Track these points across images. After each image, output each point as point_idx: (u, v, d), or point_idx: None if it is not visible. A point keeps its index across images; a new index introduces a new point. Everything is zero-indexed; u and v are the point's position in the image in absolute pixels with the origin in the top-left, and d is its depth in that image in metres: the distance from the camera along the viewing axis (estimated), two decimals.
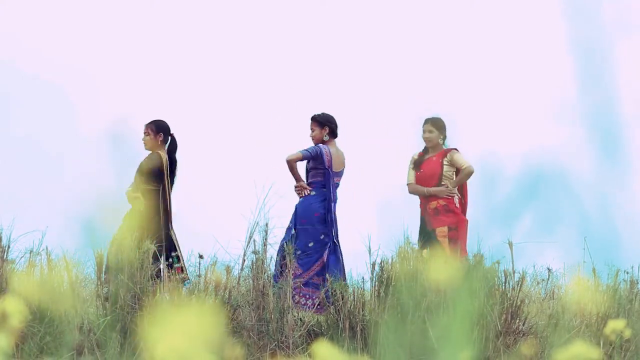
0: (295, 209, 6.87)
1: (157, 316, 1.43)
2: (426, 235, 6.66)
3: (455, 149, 6.90)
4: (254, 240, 5.97)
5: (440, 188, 6.79)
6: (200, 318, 1.46)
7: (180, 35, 11.11)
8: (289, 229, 6.75)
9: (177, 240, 6.83)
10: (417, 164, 6.96)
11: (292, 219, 6.83)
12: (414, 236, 6.71)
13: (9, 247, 5.55)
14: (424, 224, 6.79)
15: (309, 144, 7.01)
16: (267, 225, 6.03)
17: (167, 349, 1.45)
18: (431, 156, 6.92)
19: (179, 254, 6.76)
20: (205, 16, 11.23)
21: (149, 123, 7.04)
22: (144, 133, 7.00)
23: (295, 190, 6.89)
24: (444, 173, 6.84)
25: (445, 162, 6.86)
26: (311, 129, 7.00)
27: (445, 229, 6.67)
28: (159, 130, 6.99)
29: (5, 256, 5.51)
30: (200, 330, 1.46)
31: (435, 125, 6.93)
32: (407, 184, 6.96)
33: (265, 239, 5.98)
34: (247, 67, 11.14)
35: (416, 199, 6.96)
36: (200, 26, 11.20)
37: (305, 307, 6.33)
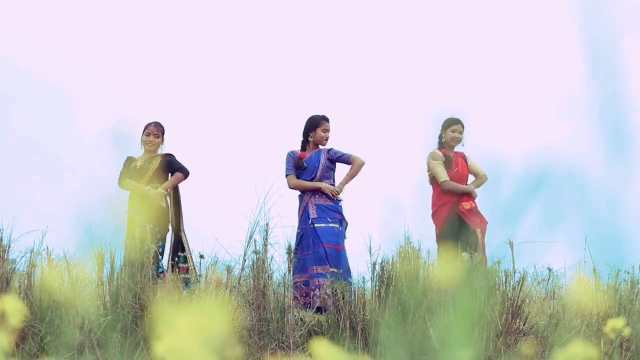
0: (340, 210, 6.92)
1: (160, 315, 1.43)
2: (465, 234, 6.65)
3: (465, 153, 7.01)
4: (255, 240, 5.97)
5: (472, 187, 6.85)
6: (205, 317, 1.46)
7: (180, 35, 11.11)
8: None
9: (187, 242, 6.84)
10: (450, 162, 6.94)
11: (340, 220, 6.87)
12: (414, 236, 6.70)
13: (9, 246, 5.55)
14: (461, 223, 6.76)
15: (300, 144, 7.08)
16: (267, 224, 6.02)
17: (171, 348, 1.44)
18: (457, 158, 6.94)
19: (188, 254, 6.75)
20: (205, 16, 11.23)
21: (157, 125, 7.00)
22: (153, 134, 6.95)
23: (333, 193, 6.90)
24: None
25: (469, 165, 7.00)
26: (329, 130, 7.01)
27: (484, 227, 6.69)
28: (164, 133, 7.03)
29: (5, 256, 5.51)
30: (205, 329, 1.46)
31: (464, 126, 6.97)
32: (444, 181, 6.80)
33: (266, 239, 5.98)
34: (247, 66, 11.14)
35: (422, 198, 6.97)
36: (200, 26, 11.19)
37: (316, 300, 6.37)
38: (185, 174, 6.89)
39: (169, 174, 6.92)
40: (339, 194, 6.89)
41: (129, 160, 6.95)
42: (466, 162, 6.96)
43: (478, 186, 6.89)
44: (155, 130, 6.95)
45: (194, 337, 1.45)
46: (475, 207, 6.79)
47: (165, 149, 7.04)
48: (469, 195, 6.80)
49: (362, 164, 6.91)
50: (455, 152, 6.94)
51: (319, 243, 6.68)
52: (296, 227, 6.85)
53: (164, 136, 7.03)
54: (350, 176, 6.93)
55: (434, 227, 6.85)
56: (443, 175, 6.80)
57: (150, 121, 7.02)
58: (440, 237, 6.66)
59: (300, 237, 6.74)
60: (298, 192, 6.99)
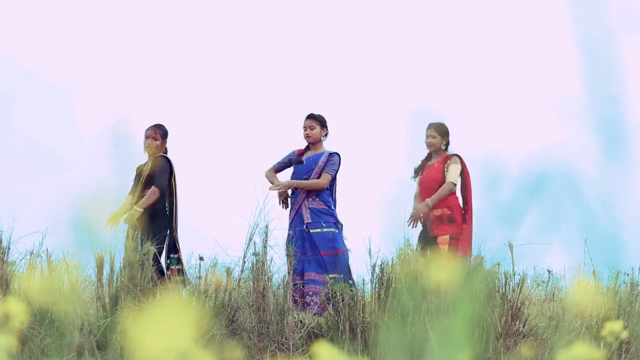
0: (333, 214, 6.89)
1: (138, 317, 1.42)
2: (427, 241, 6.61)
3: (457, 156, 6.85)
4: (254, 242, 5.97)
5: (419, 205, 6.76)
6: (177, 315, 1.45)
7: (181, 35, 11.11)
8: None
9: (179, 243, 6.83)
10: (418, 170, 6.94)
11: (334, 224, 6.84)
12: (414, 239, 6.70)
13: (9, 248, 5.55)
14: (426, 230, 6.75)
15: (304, 143, 7.07)
16: (267, 227, 6.03)
17: (147, 349, 1.43)
18: (434, 162, 6.88)
19: (180, 256, 6.75)
20: (205, 16, 11.23)
21: (156, 127, 6.97)
22: (151, 137, 6.92)
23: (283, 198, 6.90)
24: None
25: (445, 169, 6.83)
26: (310, 127, 6.99)
27: (447, 237, 6.63)
28: (165, 135, 7.00)
29: (5, 258, 5.51)
30: (179, 328, 1.44)
31: (438, 130, 6.88)
32: (414, 195, 6.98)
33: (266, 241, 5.98)
34: (246, 67, 11.14)
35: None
36: (200, 26, 11.20)
37: (312, 306, 6.36)
38: (159, 189, 6.75)
39: (168, 177, 6.90)
40: (277, 186, 6.88)
41: (136, 169, 6.98)
42: (443, 167, 6.82)
43: (438, 197, 6.70)
44: (152, 133, 6.94)
45: (172, 336, 1.43)
46: (447, 215, 6.73)
47: (166, 150, 7.04)
48: (442, 202, 6.76)
49: (318, 185, 6.89)
50: (444, 156, 6.88)
51: (315, 249, 6.67)
52: (287, 229, 6.83)
53: (166, 139, 7.00)
54: (306, 184, 6.90)
55: None
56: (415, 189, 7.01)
57: (150, 125, 7.03)
58: (417, 242, 6.74)
59: (292, 239, 6.70)
60: (290, 192, 7.00)
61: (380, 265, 5.76)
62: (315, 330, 5.79)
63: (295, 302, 6.02)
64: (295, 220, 6.83)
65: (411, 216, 6.74)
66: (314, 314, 6.10)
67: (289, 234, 6.76)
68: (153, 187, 6.74)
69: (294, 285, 6.18)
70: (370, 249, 5.84)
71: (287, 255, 6.05)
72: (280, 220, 6.25)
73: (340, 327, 5.60)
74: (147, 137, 6.94)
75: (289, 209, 6.94)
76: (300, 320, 5.83)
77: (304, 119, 7.08)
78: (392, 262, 5.69)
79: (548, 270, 6.41)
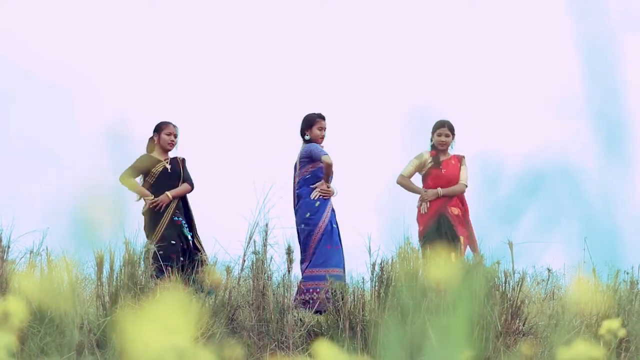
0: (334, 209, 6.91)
1: (137, 315, 1.42)
2: (453, 239, 6.59)
3: (464, 157, 6.95)
4: (254, 241, 5.98)
5: (430, 191, 6.81)
6: (177, 314, 1.44)
7: (181, 35, 11.11)
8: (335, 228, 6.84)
9: (201, 243, 6.93)
10: (438, 162, 6.91)
11: (333, 218, 6.88)
12: (414, 237, 6.70)
13: (9, 247, 5.55)
14: (449, 226, 6.74)
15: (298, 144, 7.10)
16: (267, 225, 6.03)
17: (146, 347, 1.42)
18: (447, 159, 6.92)
19: (205, 257, 6.78)
20: (205, 16, 11.23)
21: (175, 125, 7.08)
22: (174, 135, 7.03)
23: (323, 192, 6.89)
24: None
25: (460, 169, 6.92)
26: (325, 128, 7.04)
27: (466, 239, 6.71)
28: None
29: (5, 256, 5.51)
30: (178, 326, 1.44)
31: (452, 129, 6.94)
32: (401, 174, 6.96)
33: (265, 240, 5.98)
34: (246, 67, 11.14)
35: (413, 198, 6.97)
36: (200, 26, 11.19)
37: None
38: (192, 187, 6.99)
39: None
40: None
41: (149, 159, 6.94)
42: (460, 165, 6.92)
43: (449, 192, 6.81)
44: (175, 131, 7.03)
45: (163, 338, 1.43)
46: (463, 215, 6.80)
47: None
48: (458, 201, 6.82)
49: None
50: (452, 155, 6.95)
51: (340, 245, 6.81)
52: (325, 221, 6.83)
53: None
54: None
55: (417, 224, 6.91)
56: (403, 170, 6.95)
57: (165, 121, 7.06)
58: (424, 236, 6.69)
59: (338, 233, 6.80)
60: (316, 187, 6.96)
61: (380, 263, 5.76)
62: (315, 329, 5.79)
63: (305, 302, 6.09)
64: (332, 215, 6.90)
65: (421, 199, 6.79)
66: (314, 312, 6.11)
67: (334, 227, 6.81)
68: (188, 184, 6.96)
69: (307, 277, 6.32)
70: (370, 247, 5.84)
71: (287, 253, 6.05)
72: (279, 219, 6.25)
73: (340, 326, 5.60)
74: (170, 134, 7.02)
75: (324, 203, 6.90)
76: (300, 319, 5.84)
77: (320, 119, 7.02)
78: (392, 260, 5.69)
79: (548, 269, 6.42)
